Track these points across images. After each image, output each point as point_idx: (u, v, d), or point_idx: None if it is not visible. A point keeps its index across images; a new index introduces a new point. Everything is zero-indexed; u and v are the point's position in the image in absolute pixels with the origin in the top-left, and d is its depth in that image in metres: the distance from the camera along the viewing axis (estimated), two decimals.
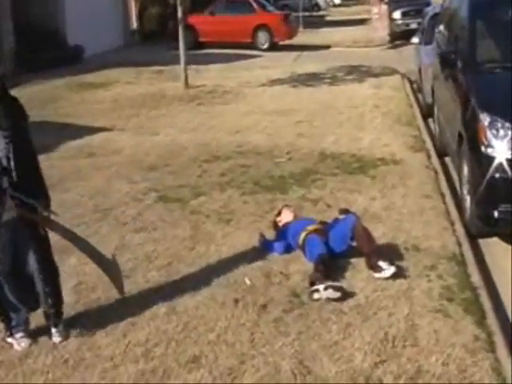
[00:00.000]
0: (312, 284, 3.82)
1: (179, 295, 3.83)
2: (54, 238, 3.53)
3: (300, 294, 3.84)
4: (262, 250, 4.47)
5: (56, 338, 3.41)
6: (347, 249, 4.23)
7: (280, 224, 4.69)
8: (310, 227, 4.40)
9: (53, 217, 3.31)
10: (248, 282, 4.00)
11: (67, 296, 3.69)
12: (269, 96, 10.51)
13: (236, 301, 3.76)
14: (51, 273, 3.40)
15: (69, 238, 3.46)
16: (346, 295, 3.74)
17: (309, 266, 4.11)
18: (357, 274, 4.08)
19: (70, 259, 4.29)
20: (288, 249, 4.44)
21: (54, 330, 3.44)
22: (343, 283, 3.91)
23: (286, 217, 4.69)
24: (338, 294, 3.69)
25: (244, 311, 3.65)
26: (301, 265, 4.24)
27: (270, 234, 4.69)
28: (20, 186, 3.09)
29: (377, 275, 3.96)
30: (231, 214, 5.19)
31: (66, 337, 3.40)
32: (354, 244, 4.21)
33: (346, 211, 4.54)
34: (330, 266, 4.05)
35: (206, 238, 4.71)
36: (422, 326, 3.45)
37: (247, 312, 3.64)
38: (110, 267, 3.50)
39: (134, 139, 7.85)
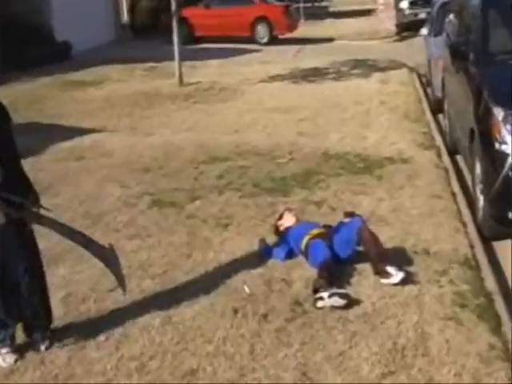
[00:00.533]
0: (316, 291, 3.81)
1: (175, 305, 3.82)
2: (41, 247, 3.52)
3: (303, 302, 3.82)
4: (263, 256, 4.47)
5: (43, 352, 3.39)
6: (353, 254, 4.23)
7: (281, 228, 4.68)
8: (314, 231, 4.40)
9: (44, 213, 3.33)
10: (248, 290, 4.00)
11: (56, 308, 3.67)
12: (269, 93, 10.49)
13: (235, 310, 3.76)
14: (40, 283, 3.41)
15: (63, 233, 3.46)
16: (351, 303, 3.73)
17: (312, 273, 4.10)
18: (363, 281, 4.07)
19: (59, 269, 4.31)
20: (290, 254, 4.44)
21: (41, 344, 3.43)
22: (349, 290, 3.90)
23: (288, 221, 4.68)
24: (343, 302, 3.68)
25: (244, 321, 3.64)
26: (304, 271, 4.23)
27: (271, 239, 4.69)
28: (6, 187, 3.13)
29: (384, 281, 3.96)
30: (230, 219, 5.19)
31: (53, 350, 3.38)
32: (360, 248, 4.22)
33: (351, 214, 4.51)
34: (335, 272, 4.03)
35: (204, 245, 4.71)
36: (433, 334, 3.43)
37: (247, 322, 3.63)
38: (110, 259, 3.46)
39: (126, 140, 7.85)
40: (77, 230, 3.55)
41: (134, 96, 10.60)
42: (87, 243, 3.48)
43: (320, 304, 3.72)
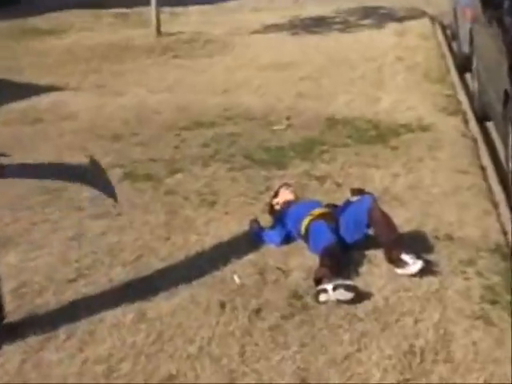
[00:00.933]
0: (318, 282, 3.81)
1: (151, 298, 3.80)
2: None
3: (303, 296, 3.81)
4: (255, 240, 4.47)
5: None
6: (362, 238, 4.22)
7: (277, 207, 4.70)
8: (315, 211, 4.39)
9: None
10: (237, 280, 3.99)
11: (6, 301, 3.60)
12: (264, 46, 10.42)
13: (222, 304, 3.74)
14: None
15: (28, 174, 3.28)
16: (360, 296, 3.71)
17: (313, 260, 4.08)
18: (374, 270, 4.05)
19: (9, 255, 4.25)
20: (287, 238, 4.44)
21: None
22: (357, 281, 3.87)
23: (285, 199, 4.69)
24: (350, 295, 3.68)
25: (233, 317, 3.62)
26: (303, 258, 4.23)
27: (265, 220, 4.67)
28: None
29: (399, 271, 3.95)
30: (216, 196, 5.19)
31: (3, 351, 3.33)
32: (371, 232, 4.22)
33: (360, 191, 4.49)
34: (341, 259, 4.02)
35: (185, 226, 4.71)
36: (457, 335, 3.41)
37: (236, 318, 3.61)
38: (94, 175, 3.28)
39: (92, 101, 7.76)
40: (44, 163, 3.32)
41: (102, 48, 10.49)
42: (63, 172, 3.25)
43: (323, 298, 3.71)
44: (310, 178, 5.49)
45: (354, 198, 4.40)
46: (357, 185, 5.01)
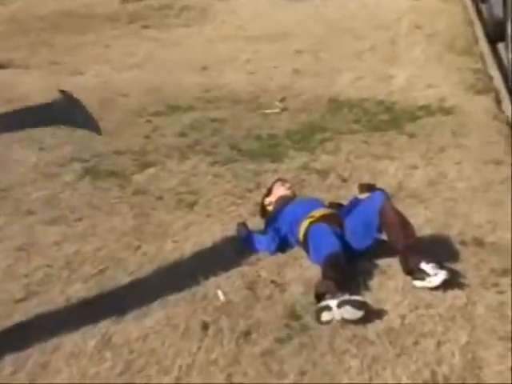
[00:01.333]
0: (319, 298, 3.81)
1: (117, 319, 3.76)
2: None
3: (301, 315, 3.78)
4: (244, 247, 4.48)
5: None
6: (373, 244, 4.23)
7: (270, 208, 4.74)
8: (316, 212, 4.42)
9: None
10: (222, 296, 3.98)
11: None
12: (252, 13, 10.42)
13: (205, 325, 3.72)
14: None
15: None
16: (371, 315, 3.69)
17: (314, 272, 4.10)
18: (388, 283, 4.04)
19: None
20: (282, 245, 4.47)
21: None
22: (367, 297, 3.87)
23: (280, 197, 4.72)
24: (359, 314, 3.67)
25: (217, 341, 3.59)
26: (302, 269, 4.22)
27: (256, 224, 4.69)
28: None
29: (418, 284, 3.96)
30: (196, 195, 5.18)
31: None
32: (383, 237, 4.24)
33: (370, 188, 4.52)
34: (347, 270, 4.04)
35: (158, 232, 4.71)
36: (489, 361, 3.37)
37: (221, 343, 3.58)
38: (68, 111, 3.20)
39: (44, 81, 7.65)
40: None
41: (55, 17, 10.44)
42: (35, 114, 3.19)
43: (326, 317, 3.71)
44: (310, 171, 5.49)
45: (363, 196, 4.40)
46: (366, 180, 4.99)
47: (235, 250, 4.45)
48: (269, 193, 4.83)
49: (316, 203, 4.60)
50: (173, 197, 5.16)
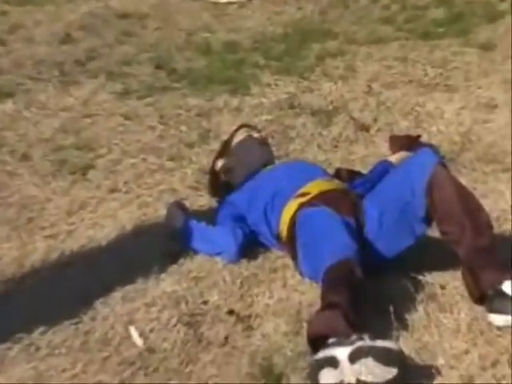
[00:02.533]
0: (317, 344, 3.42)
1: None
2: None
3: (282, 373, 3.49)
4: (180, 246, 4.28)
5: None
6: (413, 246, 3.98)
7: (228, 179, 4.57)
8: (312, 187, 4.13)
9: None
10: (138, 339, 3.69)
11: None
12: None
13: None
14: None
15: None
16: (410, 374, 3.35)
17: (307, 295, 3.88)
18: (439, 316, 3.75)
19: None
20: (249, 244, 4.23)
21: None
22: (403, 341, 3.57)
23: (245, 156, 4.53)
24: (388, 373, 3.25)
25: None
26: (283, 291, 3.99)
27: (202, 207, 4.62)
28: None
29: (498, 320, 3.62)
30: (92, 152, 5.35)
31: None
32: (433, 231, 3.98)
33: (411, 142, 4.44)
34: (366, 291, 3.69)
35: (28, 228, 4.67)
36: None
37: None
38: None
39: None
40: None
41: None
42: None
43: (329, 378, 3.29)
44: (300, 109, 5.76)
45: (398, 158, 4.30)
46: (403, 129, 5.16)
47: (163, 250, 4.27)
48: (224, 151, 4.57)
49: (311, 171, 4.34)
50: (46, 165, 5.27)
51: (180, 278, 4.15)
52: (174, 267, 4.23)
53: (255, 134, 4.72)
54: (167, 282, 4.11)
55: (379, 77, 6.44)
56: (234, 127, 4.90)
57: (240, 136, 4.69)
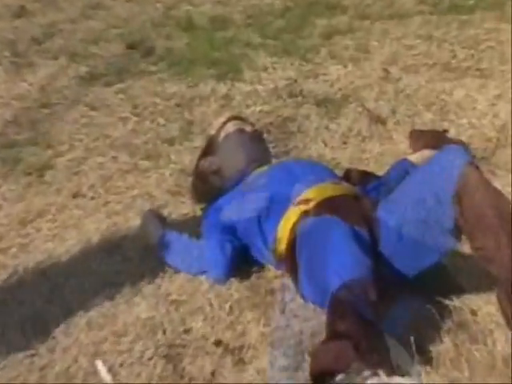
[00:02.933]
0: (322, 383, 3.44)
1: None
2: None
3: None
4: (159, 259, 4.31)
5: None
6: (438, 263, 3.95)
7: (215, 181, 4.60)
8: (317, 191, 4.13)
9: None
10: (107, 375, 3.71)
11: None
12: None
13: None
14: None
15: None
16: None
17: (311, 322, 3.87)
18: (469, 347, 3.73)
19: None
20: (238, 258, 4.29)
21: None
22: (426, 378, 3.58)
23: (235, 154, 4.55)
24: None
25: None
26: (283, 316, 3.99)
27: (182, 215, 4.70)
28: None
29: None
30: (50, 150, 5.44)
31: None
32: (462, 247, 3.94)
33: (436, 138, 4.60)
34: (381, 319, 3.69)
35: None
36: None
37: None
38: None
39: None
40: None
41: None
42: None
43: None
44: (303, 98, 5.87)
45: (420, 157, 4.35)
46: (424, 122, 5.23)
47: (138, 267, 4.32)
48: (210, 148, 4.59)
49: (315, 172, 4.33)
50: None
51: (157, 301, 4.14)
52: (149, 288, 4.19)
53: (247, 128, 4.70)
54: (141, 307, 4.09)
55: (398, 59, 6.45)
56: (222, 119, 4.85)
57: (229, 130, 4.66)
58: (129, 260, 4.41)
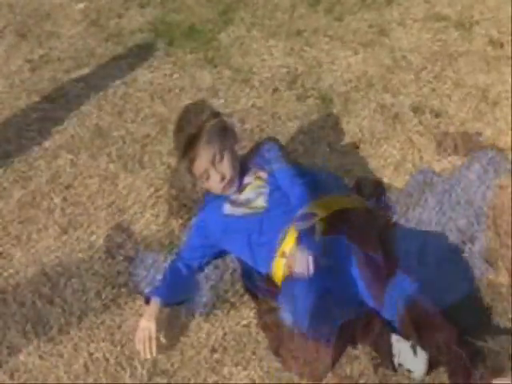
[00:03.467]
0: None
1: None
2: None
3: None
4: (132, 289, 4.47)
5: None
6: (472, 291, 4.07)
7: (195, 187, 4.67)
8: (318, 205, 4.25)
9: None
10: None
11: None
12: None
13: None
14: None
15: None
16: None
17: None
18: None
19: None
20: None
21: None
22: None
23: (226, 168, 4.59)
24: None
25: None
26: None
27: (156, 231, 4.86)
28: None
29: None
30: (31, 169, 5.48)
31: None
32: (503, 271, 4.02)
33: (469, 143, 4.78)
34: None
35: None
36: None
37: None
38: None
39: None
40: None
41: None
42: None
43: None
44: (303, 88, 6.02)
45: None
46: (456, 116, 5.36)
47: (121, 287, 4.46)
48: (194, 156, 4.62)
49: (320, 182, 4.47)
50: None
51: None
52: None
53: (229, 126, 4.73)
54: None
55: (420, 45, 6.54)
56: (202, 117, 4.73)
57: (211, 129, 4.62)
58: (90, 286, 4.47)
